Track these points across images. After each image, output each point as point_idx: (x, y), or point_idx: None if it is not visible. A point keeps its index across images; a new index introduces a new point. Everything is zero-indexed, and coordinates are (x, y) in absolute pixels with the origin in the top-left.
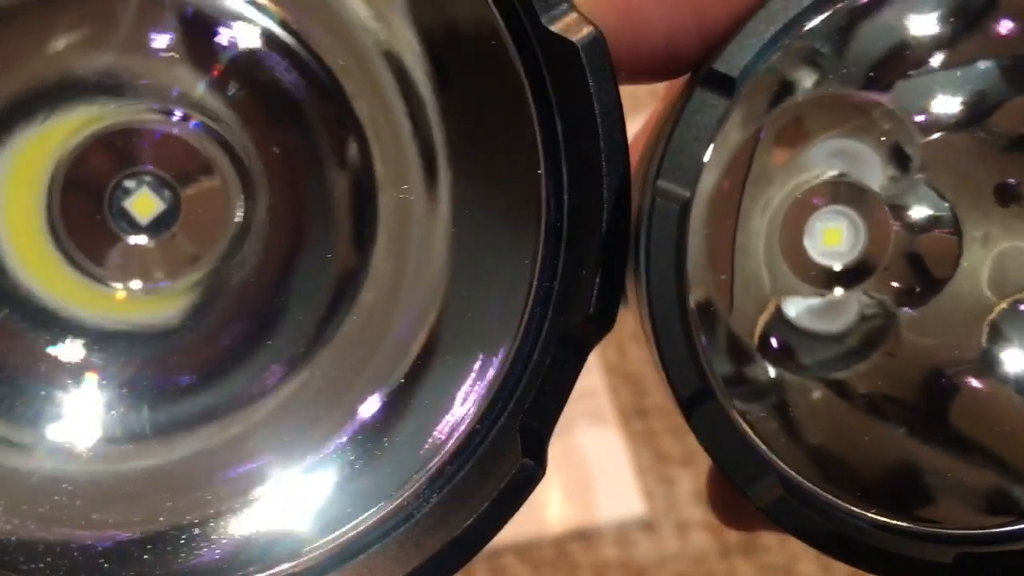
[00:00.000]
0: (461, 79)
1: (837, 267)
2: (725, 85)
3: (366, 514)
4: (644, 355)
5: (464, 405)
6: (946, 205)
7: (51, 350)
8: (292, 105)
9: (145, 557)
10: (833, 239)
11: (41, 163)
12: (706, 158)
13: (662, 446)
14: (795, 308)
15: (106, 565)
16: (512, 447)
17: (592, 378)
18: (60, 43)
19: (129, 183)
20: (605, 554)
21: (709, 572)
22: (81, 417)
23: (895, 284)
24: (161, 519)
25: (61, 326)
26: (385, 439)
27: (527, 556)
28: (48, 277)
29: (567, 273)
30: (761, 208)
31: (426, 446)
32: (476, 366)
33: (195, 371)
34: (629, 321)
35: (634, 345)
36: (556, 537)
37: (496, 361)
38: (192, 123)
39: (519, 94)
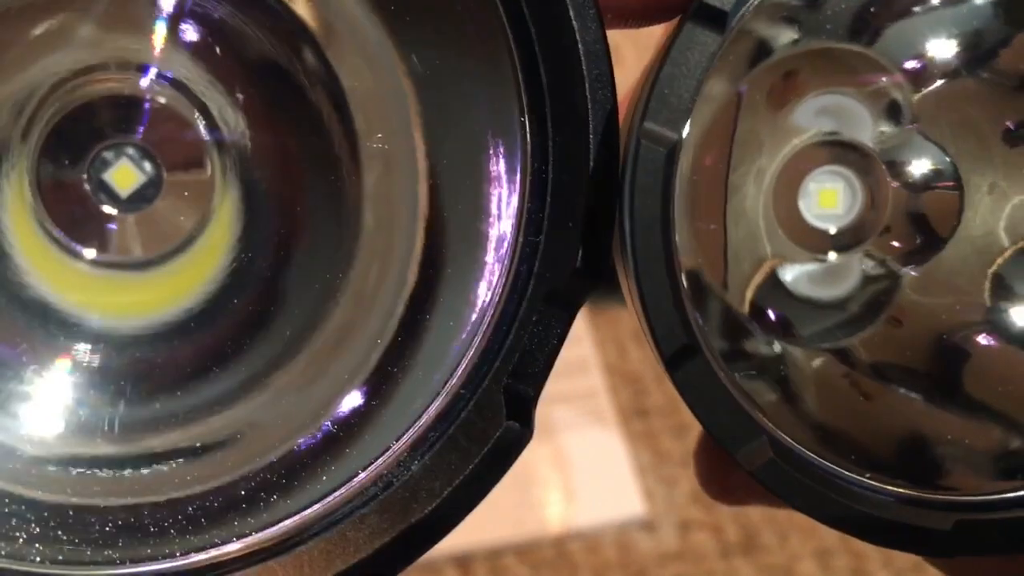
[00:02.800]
0: (434, 17)
1: (833, 230)
2: (716, 20)
3: (344, 483)
4: (644, 355)
5: (447, 368)
6: (947, 159)
7: (33, 334)
8: (263, 56)
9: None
10: (829, 201)
11: (29, 145)
12: (696, 98)
13: (662, 446)
14: (792, 274)
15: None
16: (497, 410)
17: (592, 378)
18: (41, 28)
19: (108, 154)
20: (605, 554)
21: (709, 572)
22: (49, 405)
23: (896, 244)
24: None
25: (51, 316)
26: (364, 407)
27: (527, 556)
28: (37, 259)
29: (553, 226)
30: (754, 174)
31: (407, 412)
32: (460, 327)
33: (185, 363)
34: (629, 321)
35: (634, 345)
36: (556, 537)
37: (480, 321)
38: (166, 86)
39: (498, 36)
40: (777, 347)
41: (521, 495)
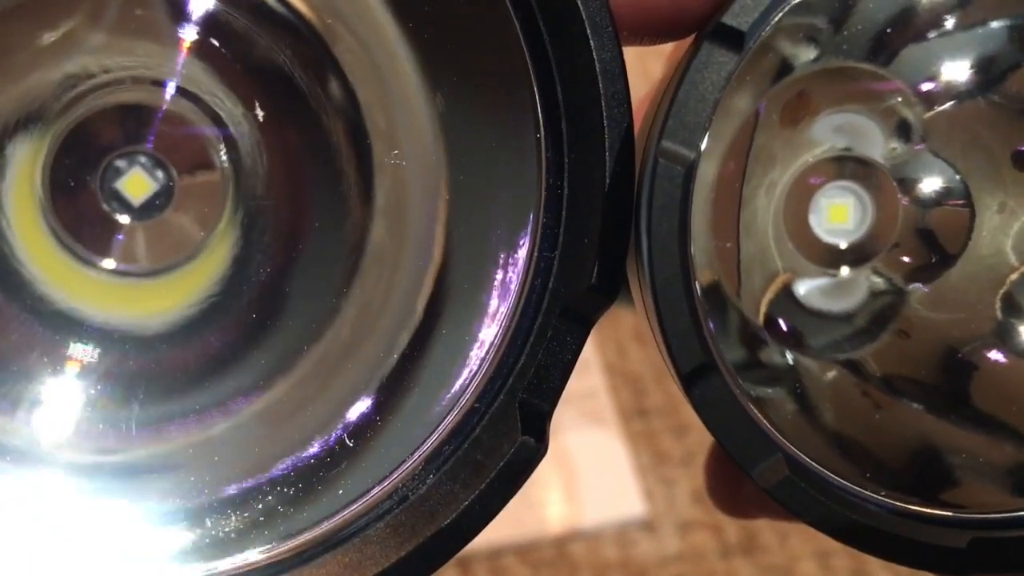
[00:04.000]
0: (452, 33)
1: (843, 245)
2: (734, 40)
3: (358, 497)
4: (644, 355)
5: (461, 383)
6: (957, 177)
7: (46, 341)
8: (277, 68)
9: None
10: (839, 216)
11: (40, 153)
12: (713, 117)
13: (662, 446)
14: (804, 287)
15: None
16: (511, 425)
17: (592, 378)
18: (52, 34)
19: (120, 163)
20: (605, 554)
21: (709, 572)
22: (62, 407)
23: (906, 260)
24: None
25: (63, 323)
26: (379, 419)
27: (527, 556)
28: (45, 263)
29: (568, 242)
30: (766, 187)
31: (422, 426)
32: (474, 342)
33: (194, 368)
34: (629, 321)
35: (634, 345)
36: (556, 537)
37: (495, 336)
38: (180, 97)
39: (515, 53)
40: (790, 358)
41: (521, 495)
